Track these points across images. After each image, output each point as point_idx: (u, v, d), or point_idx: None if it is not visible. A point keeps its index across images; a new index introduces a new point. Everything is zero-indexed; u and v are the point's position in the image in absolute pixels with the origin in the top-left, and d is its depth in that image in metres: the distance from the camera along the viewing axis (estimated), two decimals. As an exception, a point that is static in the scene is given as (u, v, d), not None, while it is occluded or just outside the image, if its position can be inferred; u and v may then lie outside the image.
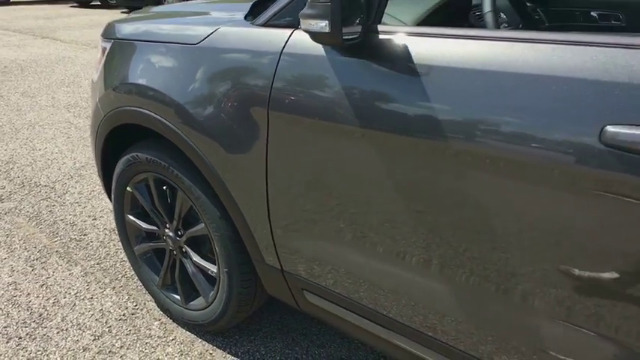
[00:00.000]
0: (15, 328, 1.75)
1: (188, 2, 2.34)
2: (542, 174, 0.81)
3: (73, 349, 1.65)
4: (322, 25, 0.87)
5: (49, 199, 2.68)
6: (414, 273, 1.06)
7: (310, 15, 0.89)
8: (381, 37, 0.98)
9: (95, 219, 2.49)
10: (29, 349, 1.65)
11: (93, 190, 2.79)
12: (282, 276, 1.35)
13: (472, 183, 0.89)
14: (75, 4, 13.90)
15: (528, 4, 2.15)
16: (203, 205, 1.44)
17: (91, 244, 2.27)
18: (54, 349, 1.66)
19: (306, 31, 0.94)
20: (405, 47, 0.94)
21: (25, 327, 1.75)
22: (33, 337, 1.71)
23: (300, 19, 0.93)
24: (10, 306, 1.86)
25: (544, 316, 0.88)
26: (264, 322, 1.79)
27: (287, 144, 1.16)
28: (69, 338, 1.70)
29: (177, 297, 1.73)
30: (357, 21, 0.91)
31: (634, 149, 0.71)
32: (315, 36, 0.94)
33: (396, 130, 0.95)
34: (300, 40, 1.09)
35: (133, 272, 2.00)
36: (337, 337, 1.72)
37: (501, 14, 1.68)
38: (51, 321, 1.78)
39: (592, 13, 2.15)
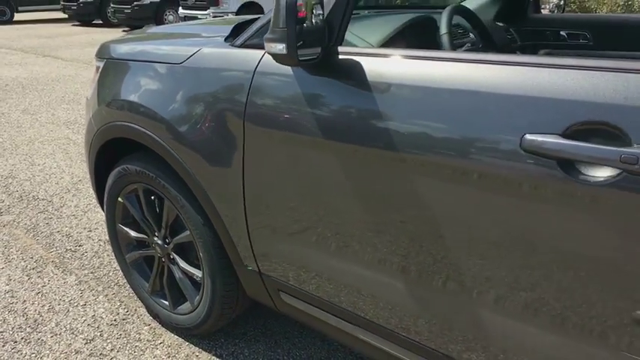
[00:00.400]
0: (11, 332, 1.83)
1: (182, 23, 2.47)
2: (477, 177, 0.91)
3: (66, 352, 1.74)
4: (280, 48, 0.99)
5: (46, 212, 2.78)
6: (379, 274, 1.15)
7: (271, 39, 1.01)
8: (340, 57, 1.10)
9: (90, 231, 2.58)
10: (24, 352, 1.74)
11: (89, 204, 2.88)
12: (260, 278, 1.44)
13: (421, 188, 0.99)
14: (77, 23, 14.16)
15: (500, 24, 2.28)
16: (188, 213, 1.54)
17: (85, 254, 2.36)
18: (47, 352, 1.74)
19: (268, 53, 1.05)
20: (361, 66, 1.05)
21: (21, 332, 1.84)
22: (28, 341, 1.79)
23: (264, 43, 1.04)
24: (7, 312, 1.95)
25: (503, 314, 0.98)
26: (249, 327, 1.88)
27: (260, 156, 1.26)
28: (62, 342, 1.79)
29: (166, 302, 1.82)
30: (316, 44, 1.02)
31: (547, 154, 0.81)
32: (276, 57, 1.05)
33: (353, 141, 1.05)
34: (271, 59, 1.21)
35: (124, 280, 2.09)
36: (317, 340, 1.80)
37: (470, 34, 1.80)
38: (45, 326, 1.87)
39: (561, 33, 2.27)
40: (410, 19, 1.55)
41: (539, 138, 0.82)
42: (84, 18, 13.75)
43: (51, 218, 2.71)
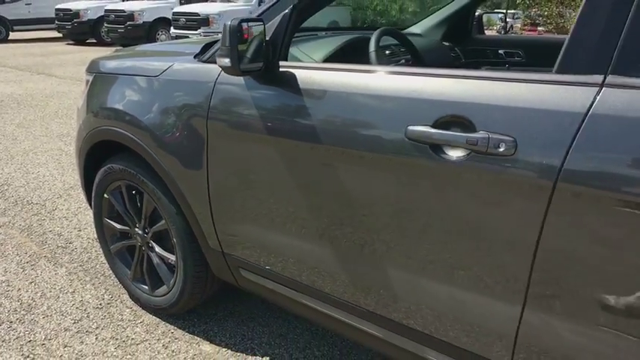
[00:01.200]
0: (7, 314, 2.06)
1: (167, 42, 2.75)
2: (377, 160, 1.18)
3: (56, 330, 1.97)
4: (226, 62, 1.26)
5: (39, 215, 3.02)
6: (320, 248, 1.41)
7: (220, 54, 1.28)
8: (280, 69, 1.37)
9: (80, 230, 2.82)
10: (19, 330, 1.97)
11: (79, 207, 3.13)
12: (223, 257, 1.70)
13: (341, 172, 1.26)
14: (71, 42, 14.49)
15: (447, 44, 2.58)
16: (163, 204, 1.80)
17: (75, 250, 2.60)
18: (40, 329, 1.97)
19: (219, 66, 1.33)
20: (295, 77, 1.33)
21: (16, 314, 2.07)
22: (22, 321, 2.02)
23: (216, 58, 1.31)
24: (3, 298, 2.18)
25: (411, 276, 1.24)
26: (219, 309, 2.12)
27: (220, 152, 1.53)
28: (52, 322, 2.02)
29: (145, 287, 2.07)
30: (259, 60, 1.30)
31: (421, 140, 1.09)
32: (224, 69, 1.32)
33: (289, 137, 1.32)
34: (227, 72, 1.48)
35: (110, 272, 2.32)
36: (279, 319, 2.05)
37: (401, 50, 2.10)
38: (38, 309, 2.10)
39: (500, 51, 2.58)
40: (348, 39, 1.84)
41: (415, 128, 1.10)
42: (78, 37, 14.10)
43: (44, 220, 2.95)
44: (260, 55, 1.32)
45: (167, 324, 2.03)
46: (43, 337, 1.93)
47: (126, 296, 2.20)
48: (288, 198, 1.41)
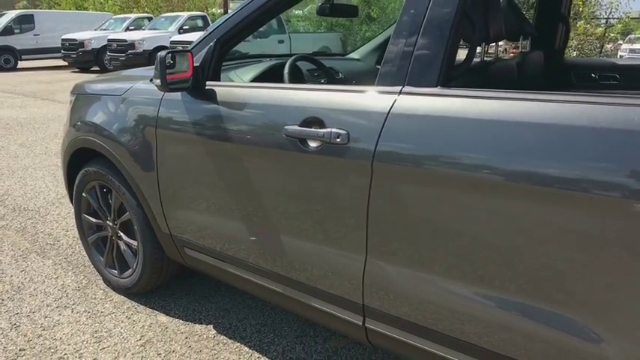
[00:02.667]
0: (0, 297, 2.47)
1: (142, 68, 3.19)
2: (266, 153, 1.60)
3: (39, 305, 2.37)
4: (157, 82, 1.70)
5: (33, 219, 3.45)
6: (240, 225, 1.81)
7: (154, 77, 1.72)
8: (207, 87, 1.81)
9: (67, 231, 3.24)
10: (8, 305, 2.37)
11: (69, 213, 3.55)
12: (171, 239, 2.10)
13: (249, 165, 1.68)
14: (76, 70, 15.18)
15: (379, 67, 3.02)
16: (127, 198, 2.22)
17: (61, 246, 3.01)
18: (26, 305, 2.37)
19: (155, 85, 1.76)
20: (215, 92, 1.76)
21: (7, 293, 2.47)
22: (12, 299, 2.43)
23: (153, 79, 1.75)
24: (-3, 282, 2.59)
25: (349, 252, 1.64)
26: (176, 290, 2.51)
27: (166, 153, 1.95)
28: (37, 299, 2.42)
29: (115, 271, 2.47)
30: (186, 81, 1.74)
31: (293, 136, 1.51)
32: (157, 87, 1.76)
33: (213, 138, 1.75)
34: (171, 90, 1.92)
35: (90, 263, 2.73)
36: (226, 297, 2.44)
37: (335, 73, 2.54)
38: (26, 290, 2.50)
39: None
40: (273, 64, 2.28)
41: (289, 127, 1.52)
42: (83, 65, 14.79)
43: (37, 223, 3.38)
44: (186, 79, 1.75)
45: (132, 301, 2.42)
46: (28, 310, 2.33)
47: (100, 281, 2.60)
48: (215, 187, 1.82)
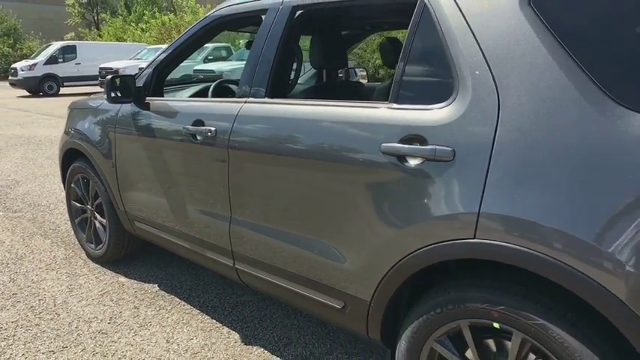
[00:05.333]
0: (6, 260, 3.23)
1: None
2: (179, 146, 2.30)
3: (33, 268, 3.11)
4: (105, 97, 2.43)
5: (44, 212, 4.25)
6: (171, 201, 2.50)
7: (105, 92, 2.46)
8: (146, 101, 2.53)
9: (68, 221, 4.00)
10: (10, 267, 3.12)
11: (73, 208, 4.33)
12: (126, 214, 2.81)
13: (174, 156, 2.37)
14: (111, 96, 16.53)
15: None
16: (98, 186, 2.96)
17: (61, 231, 3.78)
18: (24, 267, 3.12)
19: (107, 99, 2.50)
20: (148, 104, 2.48)
21: (11, 260, 3.23)
22: (15, 263, 3.18)
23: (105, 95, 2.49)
24: (6, 252, 3.35)
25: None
26: (138, 260, 3.21)
27: (121, 149, 2.68)
28: (33, 264, 3.17)
29: (92, 245, 3.20)
30: (130, 97, 2.47)
31: (192, 132, 2.21)
32: (107, 100, 2.49)
33: (148, 136, 2.46)
34: (124, 103, 2.65)
35: (77, 241, 3.47)
36: (175, 267, 3.12)
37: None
38: (26, 258, 3.26)
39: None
40: (204, 86, 3.00)
41: (186, 126, 2.22)
42: (117, 91, 16.12)
43: (46, 214, 4.18)
44: (130, 94, 2.49)
45: (103, 268, 3.13)
46: (24, 271, 3.08)
47: (83, 254, 3.33)
48: (150, 173, 2.52)
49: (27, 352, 2.25)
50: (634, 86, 1.20)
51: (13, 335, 2.38)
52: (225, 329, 2.44)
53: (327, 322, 2.09)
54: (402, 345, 1.62)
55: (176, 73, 13.87)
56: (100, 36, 28.14)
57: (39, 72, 16.50)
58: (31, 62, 16.88)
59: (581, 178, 1.20)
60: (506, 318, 1.35)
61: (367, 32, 3.22)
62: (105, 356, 2.22)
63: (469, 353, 1.49)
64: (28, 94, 16.77)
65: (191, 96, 2.89)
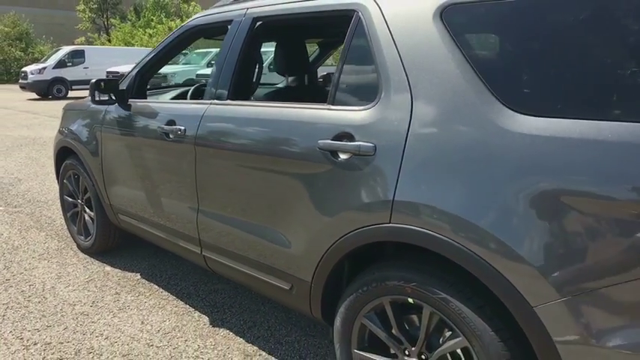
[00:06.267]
0: (2, 250, 3.46)
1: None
2: (157, 144, 2.51)
3: (27, 257, 3.34)
4: (90, 99, 2.66)
5: (41, 207, 4.49)
6: (150, 196, 2.72)
7: (90, 95, 2.68)
8: (129, 102, 2.75)
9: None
10: (6, 256, 3.35)
11: (69, 204, 4.57)
12: (111, 207, 3.03)
13: (152, 152, 2.59)
14: (118, 99, 16.91)
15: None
16: (87, 181, 3.18)
17: (56, 225, 4.01)
18: (18, 257, 3.35)
19: (91, 101, 2.72)
20: (130, 105, 2.70)
21: (8, 250, 3.47)
22: (10, 253, 3.41)
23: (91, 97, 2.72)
24: (3, 244, 3.59)
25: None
26: (124, 252, 3.43)
27: (106, 147, 2.90)
28: (27, 254, 3.40)
29: (82, 236, 3.42)
30: (111, 97, 2.70)
31: (166, 132, 2.43)
32: (92, 101, 2.71)
33: (130, 134, 2.68)
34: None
35: (69, 234, 3.69)
36: (158, 258, 3.33)
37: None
38: (21, 249, 3.49)
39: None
40: (186, 89, 3.22)
41: (162, 126, 2.43)
42: (124, 94, 16.47)
43: (43, 210, 4.42)
44: (115, 96, 2.71)
45: (92, 258, 3.36)
46: (19, 259, 3.31)
47: (74, 246, 3.55)
48: (131, 169, 2.74)
49: (14, 329, 2.47)
50: (517, 92, 1.39)
51: (3, 315, 2.60)
52: (197, 313, 2.65)
53: (282, 304, 2.28)
54: (337, 321, 1.81)
55: (180, 78, 14.22)
56: (108, 41, 28.65)
57: (48, 75, 16.90)
58: (40, 66, 17.29)
59: (473, 169, 1.39)
60: (417, 293, 1.54)
61: (329, 43, 3.41)
62: (84, 334, 2.43)
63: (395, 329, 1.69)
64: (37, 96, 17.16)
65: (173, 98, 3.11)
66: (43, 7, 33.60)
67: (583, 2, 1.33)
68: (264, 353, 2.30)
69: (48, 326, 2.51)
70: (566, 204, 1.24)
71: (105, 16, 31.87)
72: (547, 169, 1.27)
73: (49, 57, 18.45)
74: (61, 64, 17.24)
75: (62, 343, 2.37)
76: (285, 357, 2.28)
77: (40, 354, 2.28)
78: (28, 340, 2.39)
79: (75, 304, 2.72)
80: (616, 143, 1.18)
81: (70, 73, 17.29)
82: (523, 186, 1.30)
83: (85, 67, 17.57)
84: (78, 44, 25.86)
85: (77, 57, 17.60)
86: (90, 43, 27.44)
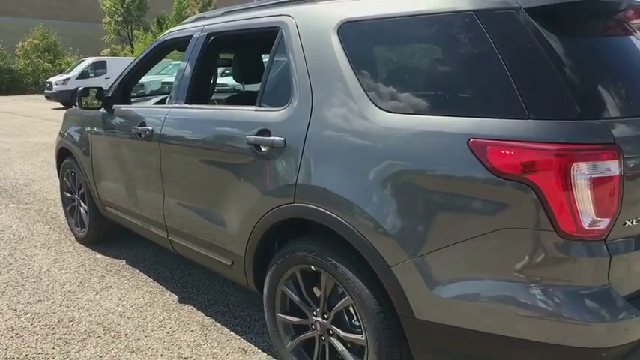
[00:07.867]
0: (9, 240, 3.90)
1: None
2: (132, 142, 2.89)
3: (29, 246, 3.77)
4: (77, 104, 3.06)
5: (50, 205, 4.95)
6: (131, 189, 3.10)
7: (77, 101, 3.08)
8: (113, 107, 3.15)
9: (68, 212, 4.68)
10: (12, 245, 3.79)
11: (75, 202, 5.02)
12: (100, 201, 3.43)
13: (130, 150, 2.98)
14: (137, 107, 17.63)
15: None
16: (82, 178, 3.59)
17: (60, 220, 4.45)
18: (22, 245, 3.78)
19: (77, 106, 3.12)
20: (114, 110, 3.10)
21: (14, 239, 3.90)
22: (15, 241, 3.85)
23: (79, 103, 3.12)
24: (10, 234, 4.03)
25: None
26: (115, 242, 3.83)
27: (95, 147, 3.30)
28: (30, 243, 3.82)
29: (79, 228, 3.84)
30: (98, 103, 3.09)
31: (137, 132, 2.81)
32: (79, 107, 3.11)
33: (113, 135, 3.08)
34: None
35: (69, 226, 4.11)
36: (144, 248, 3.72)
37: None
38: (27, 239, 3.92)
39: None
40: (164, 96, 3.60)
41: (135, 127, 2.81)
42: (143, 103, 17.19)
43: (50, 207, 4.87)
44: (100, 102, 3.11)
45: (86, 247, 3.76)
46: (22, 247, 3.74)
47: (73, 237, 3.97)
48: (114, 166, 3.13)
49: (10, 302, 2.87)
50: (383, 94, 1.71)
51: (2, 292, 3.01)
52: (168, 293, 3.01)
53: (229, 280, 2.60)
54: (265, 290, 2.14)
55: (155, 85, 15.00)
56: (132, 52, 29.67)
57: (71, 86, 17.68)
58: (64, 77, 18.13)
59: (351, 157, 1.72)
60: (316, 261, 1.87)
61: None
62: (68, 307, 2.82)
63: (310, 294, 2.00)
64: (62, 106, 18.00)
65: (155, 103, 3.51)
66: (71, 20, 35.01)
67: (419, 28, 1.67)
68: (218, 324, 2.64)
69: (39, 300, 2.90)
70: (406, 182, 1.56)
71: (129, 27, 32.99)
72: (397, 154, 1.59)
73: (73, 68, 19.32)
74: (84, 74, 18.04)
75: (48, 313, 2.75)
76: (236, 327, 2.62)
77: (29, 321, 2.67)
78: (20, 310, 2.78)
79: (65, 284, 3.12)
80: (435, 133, 1.50)
81: (92, 84, 18.08)
82: (383, 168, 1.62)
83: (106, 78, 18.30)
84: (103, 55, 26.87)
85: (99, 68, 18.39)
86: (114, 55, 28.48)
